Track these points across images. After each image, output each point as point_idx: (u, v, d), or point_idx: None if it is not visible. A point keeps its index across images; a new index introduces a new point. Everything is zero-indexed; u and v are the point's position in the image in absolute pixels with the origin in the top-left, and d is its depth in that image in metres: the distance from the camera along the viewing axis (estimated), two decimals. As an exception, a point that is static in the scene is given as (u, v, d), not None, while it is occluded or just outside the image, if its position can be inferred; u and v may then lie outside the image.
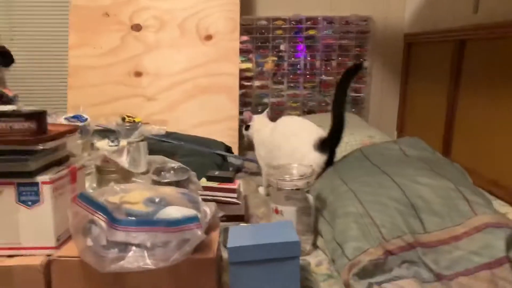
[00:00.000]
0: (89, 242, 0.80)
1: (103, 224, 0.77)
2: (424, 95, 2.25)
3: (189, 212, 0.79)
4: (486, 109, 1.67)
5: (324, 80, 2.50)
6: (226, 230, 1.18)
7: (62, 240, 0.88)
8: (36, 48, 2.59)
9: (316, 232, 1.24)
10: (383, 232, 1.05)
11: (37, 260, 0.82)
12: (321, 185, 1.37)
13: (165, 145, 1.73)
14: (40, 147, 0.81)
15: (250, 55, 2.43)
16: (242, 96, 2.44)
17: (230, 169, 1.87)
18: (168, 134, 1.86)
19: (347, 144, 1.64)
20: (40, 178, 0.83)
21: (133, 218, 0.82)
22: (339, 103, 1.39)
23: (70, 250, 0.83)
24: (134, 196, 0.91)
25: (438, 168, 1.23)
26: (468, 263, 0.95)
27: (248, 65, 2.43)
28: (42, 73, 2.63)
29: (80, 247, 0.80)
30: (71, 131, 0.96)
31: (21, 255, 0.84)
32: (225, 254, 1.06)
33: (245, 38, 2.38)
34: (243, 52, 2.39)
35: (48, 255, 0.83)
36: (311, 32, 2.43)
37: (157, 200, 0.87)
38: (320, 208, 1.27)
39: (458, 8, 1.86)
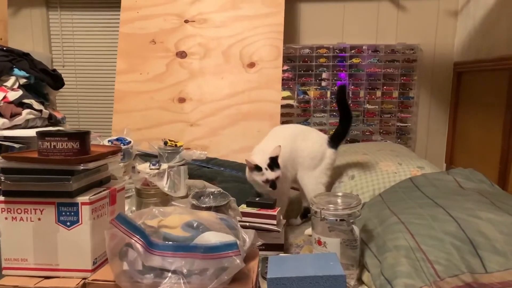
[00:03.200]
0: (125, 266, 0.77)
1: (139, 247, 0.74)
2: (477, 126, 2.12)
3: (228, 238, 0.75)
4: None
5: (368, 109, 2.43)
6: (265, 260, 1.13)
7: (99, 263, 0.86)
8: (86, 73, 2.72)
9: (361, 266, 1.15)
10: (437, 269, 0.96)
11: (73, 282, 0.80)
12: (368, 215, 1.30)
13: (205, 170, 1.72)
14: (82, 167, 0.81)
15: (290, 83, 2.42)
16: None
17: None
18: (209, 160, 1.85)
19: (396, 174, 1.55)
20: (79, 199, 0.82)
21: (170, 242, 0.78)
22: (344, 108, 1.53)
23: (105, 273, 0.81)
24: (173, 220, 0.88)
25: (499, 202, 1.12)
26: None
27: (287, 93, 2.41)
28: (90, 97, 2.75)
29: (116, 271, 0.77)
30: (114, 152, 0.96)
31: (58, 277, 0.83)
32: (264, 286, 1.00)
33: (286, 67, 2.38)
34: (284, 80, 2.38)
35: (84, 278, 0.81)
36: (355, 61, 2.39)
37: (195, 225, 0.84)
38: (367, 240, 1.19)
39: (514, 35, 1.77)
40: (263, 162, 1.40)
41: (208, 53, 2.10)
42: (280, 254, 1.29)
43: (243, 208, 1.34)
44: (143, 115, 2.09)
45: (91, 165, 0.84)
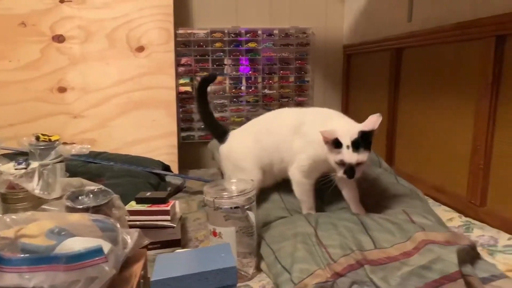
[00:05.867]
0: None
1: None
2: (366, 105, 2.24)
3: (95, 243, 0.65)
4: (425, 115, 1.66)
5: (266, 94, 2.43)
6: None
7: None
8: None
9: (259, 255, 1.13)
10: (331, 252, 0.97)
11: None
12: (265, 205, 1.29)
13: (91, 166, 1.56)
14: None
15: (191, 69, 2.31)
16: (183, 112, 2.32)
17: (169, 189, 1.72)
18: (96, 155, 1.69)
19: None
20: None
21: (27, 255, 0.66)
22: (204, 109, 1.44)
23: None
24: (34, 227, 0.75)
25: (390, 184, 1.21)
26: (419, 279, 0.88)
27: (186, 80, 2.31)
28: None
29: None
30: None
31: None
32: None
33: (186, 59, 2.27)
34: (184, 66, 2.27)
35: None
36: (251, 45, 2.36)
37: (58, 231, 0.72)
38: (260, 230, 1.18)
39: (394, 18, 1.87)
40: (346, 136, 1.04)
41: (90, 37, 1.90)
42: (177, 251, 1.21)
43: (132, 206, 1.23)
44: (16, 109, 1.83)
45: None
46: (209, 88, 1.53)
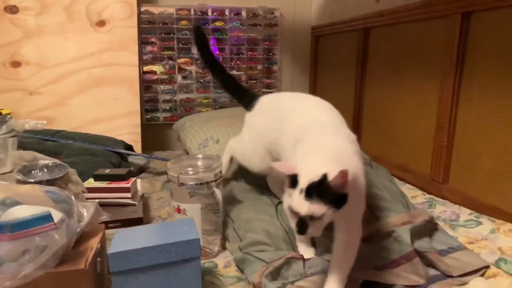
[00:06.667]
0: None
1: None
2: (333, 86, 2.24)
3: (42, 211, 0.60)
4: (392, 95, 1.67)
5: (235, 75, 2.38)
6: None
7: None
8: None
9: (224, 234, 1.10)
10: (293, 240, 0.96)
11: None
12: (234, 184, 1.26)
13: (48, 144, 1.47)
14: None
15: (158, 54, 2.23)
16: (147, 91, 2.24)
17: (131, 169, 1.66)
18: (55, 133, 1.60)
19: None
20: None
21: (-33, 226, 0.60)
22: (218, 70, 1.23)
23: None
24: (-21, 199, 0.69)
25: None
26: (379, 260, 0.90)
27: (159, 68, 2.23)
28: None
29: None
30: None
31: None
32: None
33: (151, 42, 2.18)
34: (146, 44, 2.18)
35: None
36: (218, 24, 2.30)
37: (7, 202, 0.66)
38: (229, 210, 1.15)
39: (362, -1, 1.87)
40: (306, 176, 0.69)
41: (46, 8, 1.79)
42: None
43: (90, 183, 1.17)
44: (-35, 84, 1.71)
45: None
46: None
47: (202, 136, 1.61)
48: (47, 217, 0.57)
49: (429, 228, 1.04)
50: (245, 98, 1.19)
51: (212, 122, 1.68)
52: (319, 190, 0.67)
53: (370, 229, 0.99)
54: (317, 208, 0.67)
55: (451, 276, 0.89)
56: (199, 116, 1.88)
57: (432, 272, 0.91)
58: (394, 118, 1.67)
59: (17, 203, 0.63)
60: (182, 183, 1.01)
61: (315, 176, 0.68)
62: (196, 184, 1.01)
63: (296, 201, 0.69)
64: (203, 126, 1.67)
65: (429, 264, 0.92)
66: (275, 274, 0.87)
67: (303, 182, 0.68)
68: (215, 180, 1.03)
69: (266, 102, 1.13)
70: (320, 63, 2.42)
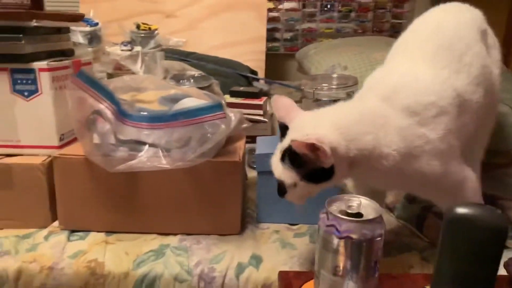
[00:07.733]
0: (96, 139, 0.68)
1: (109, 115, 0.64)
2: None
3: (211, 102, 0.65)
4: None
5: (362, 2, 2.24)
6: (251, 151, 1.05)
7: (67, 140, 0.77)
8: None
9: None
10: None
11: (38, 159, 0.72)
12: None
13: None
14: (35, 23, 0.67)
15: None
16: (269, 20, 2.24)
17: (262, 89, 1.72)
18: (188, 54, 1.71)
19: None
20: (36, 64, 0.70)
21: (145, 113, 0.69)
22: None
23: (75, 149, 0.72)
24: (149, 95, 0.78)
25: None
26: None
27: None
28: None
29: (85, 143, 0.68)
30: (74, 17, 0.82)
31: (21, 155, 0.74)
32: (251, 174, 0.94)
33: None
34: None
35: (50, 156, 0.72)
36: None
37: (170, 98, 0.74)
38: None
39: None
40: (292, 134, 0.58)
41: None
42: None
43: (226, 98, 1.24)
44: (112, 5, 1.88)
45: (46, 23, 0.70)
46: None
47: (328, 62, 1.57)
48: (218, 106, 0.62)
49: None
50: None
51: (338, 49, 1.63)
52: (292, 157, 0.56)
53: None
54: (287, 175, 0.57)
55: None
56: (325, 44, 1.83)
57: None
58: None
59: (186, 96, 0.70)
60: (316, 99, 1.01)
61: (300, 135, 0.54)
62: (330, 101, 1.01)
63: (273, 159, 0.59)
64: (329, 52, 1.63)
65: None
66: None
67: (285, 142, 0.58)
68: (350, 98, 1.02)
69: None
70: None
